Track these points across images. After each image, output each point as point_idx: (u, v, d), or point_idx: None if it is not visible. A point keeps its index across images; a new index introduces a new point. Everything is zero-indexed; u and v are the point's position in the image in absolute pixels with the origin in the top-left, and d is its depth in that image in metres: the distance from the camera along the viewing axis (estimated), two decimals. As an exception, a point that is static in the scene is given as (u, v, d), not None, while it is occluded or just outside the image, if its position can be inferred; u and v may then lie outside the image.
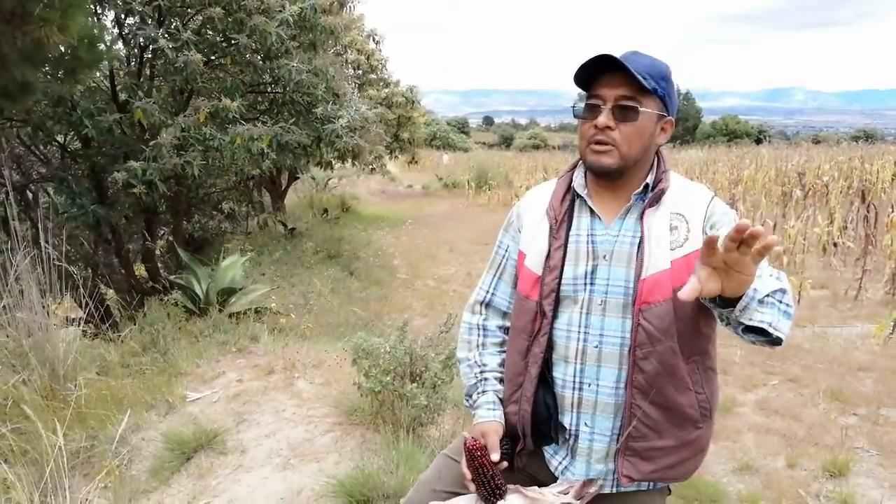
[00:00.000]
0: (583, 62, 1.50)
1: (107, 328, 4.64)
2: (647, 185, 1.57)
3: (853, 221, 11.22)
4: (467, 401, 1.77)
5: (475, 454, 1.55)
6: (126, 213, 6.19)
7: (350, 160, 10.76)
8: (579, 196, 1.64)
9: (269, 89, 7.17)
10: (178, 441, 3.18)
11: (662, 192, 1.56)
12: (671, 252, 1.51)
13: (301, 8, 5.92)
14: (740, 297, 1.31)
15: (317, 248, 10.68)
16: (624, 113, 1.50)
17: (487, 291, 1.81)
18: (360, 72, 15.06)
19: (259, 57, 6.36)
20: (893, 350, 6.08)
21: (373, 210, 18.56)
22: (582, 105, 1.56)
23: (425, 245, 13.22)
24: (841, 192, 14.23)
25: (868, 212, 9.78)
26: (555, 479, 1.66)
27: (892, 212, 9.24)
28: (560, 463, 1.66)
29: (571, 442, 1.62)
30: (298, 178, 14.73)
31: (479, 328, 1.81)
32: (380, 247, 12.55)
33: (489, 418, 1.67)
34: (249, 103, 6.67)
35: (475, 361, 1.78)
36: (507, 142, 56.02)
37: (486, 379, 1.74)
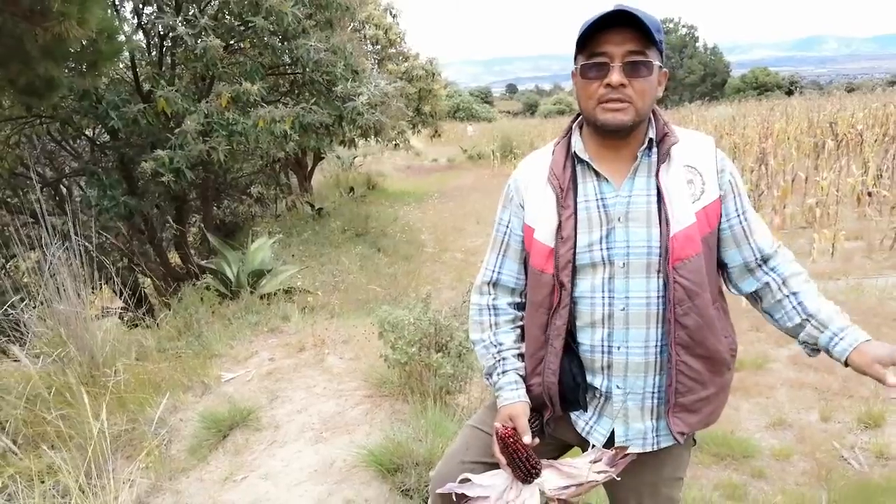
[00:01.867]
0: (593, 19, 1.44)
1: (143, 315, 4.77)
2: (650, 141, 1.54)
3: (889, 170, 10.95)
4: (487, 380, 1.76)
5: (508, 441, 1.55)
6: (157, 202, 6.31)
7: (372, 137, 10.77)
8: (581, 161, 1.59)
9: (288, 70, 7.21)
10: (214, 420, 3.28)
11: (672, 146, 1.53)
12: (692, 205, 1.51)
13: (315, -15, 5.94)
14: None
15: (344, 227, 10.74)
16: (636, 68, 1.45)
17: (493, 271, 1.76)
18: (379, 47, 14.98)
19: (277, 38, 6.38)
20: (931, 299, 5.97)
21: (399, 186, 18.55)
22: (588, 63, 1.48)
23: (452, 218, 13.21)
24: (876, 141, 13.84)
25: (904, 159, 9.54)
26: (582, 440, 1.68)
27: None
28: (587, 423, 1.66)
29: (601, 402, 1.62)
30: (324, 158, 14.79)
31: (489, 308, 1.76)
32: (407, 222, 12.57)
33: (514, 399, 1.66)
34: (270, 86, 6.72)
35: (491, 342, 1.74)
36: (531, 109, 55.29)
37: (504, 358, 1.71)
